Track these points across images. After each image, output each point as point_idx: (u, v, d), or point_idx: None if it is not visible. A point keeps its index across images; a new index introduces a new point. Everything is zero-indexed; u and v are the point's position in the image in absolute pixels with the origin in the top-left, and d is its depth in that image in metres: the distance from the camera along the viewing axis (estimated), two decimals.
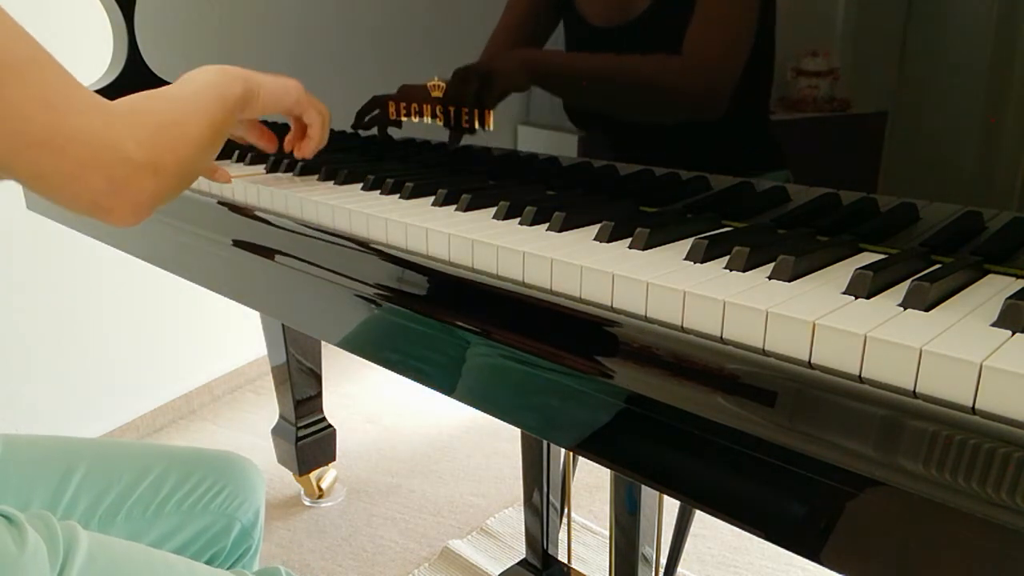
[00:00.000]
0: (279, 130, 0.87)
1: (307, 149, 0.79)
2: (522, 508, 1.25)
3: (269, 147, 0.83)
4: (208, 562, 0.80)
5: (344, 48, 0.89)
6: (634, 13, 0.62)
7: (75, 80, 0.51)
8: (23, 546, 0.52)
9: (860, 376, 0.37)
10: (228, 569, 0.81)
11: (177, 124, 0.57)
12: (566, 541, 1.21)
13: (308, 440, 1.54)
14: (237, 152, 1.00)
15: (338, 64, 0.90)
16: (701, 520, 1.41)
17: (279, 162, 0.88)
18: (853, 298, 0.42)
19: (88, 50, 1.54)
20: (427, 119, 0.80)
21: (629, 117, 0.65)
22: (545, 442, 1.13)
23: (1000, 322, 0.38)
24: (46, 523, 0.56)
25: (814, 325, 0.38)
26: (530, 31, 0.70)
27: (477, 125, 0.75)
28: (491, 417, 0.55)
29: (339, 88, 0.91)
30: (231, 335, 2.11)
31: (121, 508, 0.73)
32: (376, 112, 0.86)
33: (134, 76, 1.18)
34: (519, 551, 1.31)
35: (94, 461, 0.73)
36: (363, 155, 0.90)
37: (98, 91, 1.17)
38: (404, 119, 0.83)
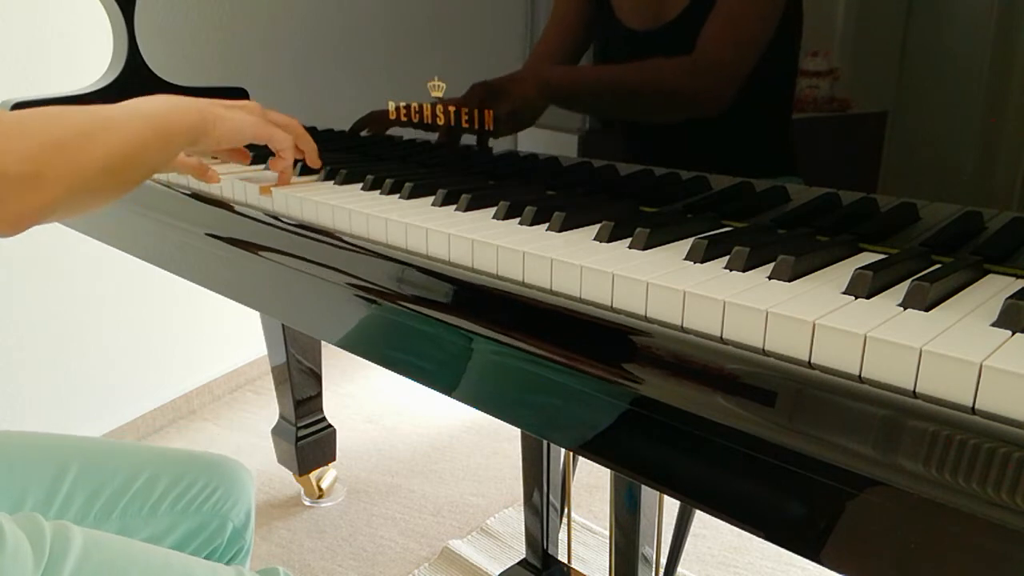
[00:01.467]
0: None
1: (284, 176, 0.78)
2: (522, 508, 1.25)
3: (244, 160, 0.83)
4: None
5: (345, 47, 0.89)
6: (640, 19, 0.62)
7: None
8: (2, 547, 0.52)
9: (860, 376, 0.37)
10: None
11: (82, 136, 0.53)
12: (566, 541, 1.21)
13: (308, 440, 1.54)
14: None
15: (339, 63, 0.90)
16: (701, 520, 1.41)
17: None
18: (853, 298, 0.42)
19: (88, 50, 1.55)
20: (427, 119, 0.80)
21: (630, 118, 0.65)
22: (545, 442, 1.13)
23: (1000, 322, 0.38)
24: (33, 522, 0.56)
25: (814, 325, 0.38)
26: (570, 43, 0.69)
27: (477, 125, 0.75)
28: (491, 417, 0.55)
29: (340, 87, 0.91)
30: (231, 335, 2.11)
31: (115, 507, 0.73)
32: (376, 112, 0.86)
33: (134, 76, 1.18)
34: (519, 551, 1.31)
35: (86, 460, 0.74)
36: (363, 155, 0.90)
37: (98, 91, 1.18)
38: (404, 119, 0.83)
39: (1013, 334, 0.37)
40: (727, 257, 0.49)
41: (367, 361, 0.66)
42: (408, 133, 0.83)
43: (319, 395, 1.55)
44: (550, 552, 1.22)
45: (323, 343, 1.51)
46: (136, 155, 0.59)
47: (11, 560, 0.52)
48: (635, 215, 0.63)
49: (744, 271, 0.47)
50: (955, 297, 0.43)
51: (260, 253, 0.75)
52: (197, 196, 0.84)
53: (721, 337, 0.42)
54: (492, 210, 0.64)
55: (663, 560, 1.03)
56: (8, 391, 1.62)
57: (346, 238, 0.65)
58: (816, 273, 0.47)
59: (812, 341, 0.38)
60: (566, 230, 0.58)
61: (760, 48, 0.56)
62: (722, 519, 0.42)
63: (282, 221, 0.73)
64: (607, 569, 1.07)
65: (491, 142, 0.75)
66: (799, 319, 0.39)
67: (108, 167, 0.56)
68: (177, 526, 0.77)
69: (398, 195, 0.72)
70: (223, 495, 0.81)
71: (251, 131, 0.72)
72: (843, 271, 0.47)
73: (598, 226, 0.56)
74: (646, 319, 0.45)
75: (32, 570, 0.53)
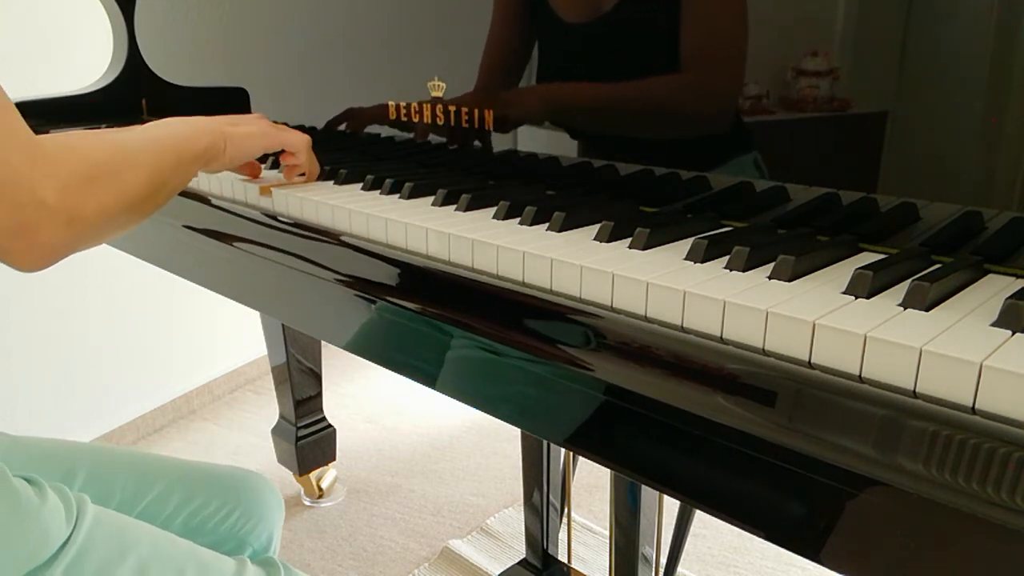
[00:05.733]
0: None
1: (298, 175, 0.79)
2: (522, 508, 1.25)
3: (255, 173, 0.82)
4: None
5: (345, 47, 0.89)
6: (636, 15, 0.62)
7: (8, 110, 0.47)
8: (44, 499, 0.55)
9: (860, 376, 0.37)
10: None
11: (113, 173, 0.53)
12: (566, 541, 1.21)
13: (308, 440, 1.54)
14: None
15: (340, 63, 0.90)
16: (701, 520, 1.41)
17: (279, 162, 0.88)
18: (853, 298, 0.42)
19: (88, 50, 1.55)
20: (427, 119, 0.80)
21: (629, 118, 0.65)
22: (545, 442, 1.13)
23: (1000, 322, 0.38)
24: (59, 490, 0.58)
25: (814, 325, 0.38)
26: (520, 40, 0.70)
27: (477, 125, 0.75)
28: (491, 417, 0.55)
29: (340, 87, 0.91)
30: (231, 335, 2.11)
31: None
32: (375, 112, 0.86)
33: (134, 76, 1.18)
34: (519, 551, 1.31)
35: (93, 467, 0.72)
36: (363, 155, 0.90)
37: (98, 91, 1.18)
38: (404, 119, 0.83)
39: (1013, 334, 0.37)
40: (727, 257, 0.49)
41: (367, 361, 0.66)
42: (408, 133, 0.83)
43: (319, 395, 1.55)
44: (550, 552, 1.22)
45: (323, 343, 1.51)
46: (158, 187, 0.59)
47: (52, 511, 0.55)
48: (635, 215, 0.63)
49: (744, 271, 0.47)
50: (955, 297, 0.43)
51: (259, 253, 0.75)
52: (197, 196, 0.84)
53: (721, 337, 0.42)
54: (492, 210, 0.64)
55: (663, 560, 1.03)
56: (7, 391, 1.62)
57: (346, 238, 0.65)
58: (816, 273, 0.47)
59: (812, 341, 0.38)
60: (566, 230, 0.58)
61: (759, 48, 0.56)
62: (722, 519, 0.42)
63: (282, 221, 0.73)
64: (607, 569, 1.07)
65: (491, 142, 0.75)
66: (799, 319, 0.39)
67: (131, 203, 0.56)
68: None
69: (398, 195, 0.72)
70: (242, 516, 0.77)
71: (262, 143, 0.72)
72: (843, 271, 0.47)
73: (598, 226, 0.56)
74: (646, 319, 0.45)
75: (65, 526, 0.56)
